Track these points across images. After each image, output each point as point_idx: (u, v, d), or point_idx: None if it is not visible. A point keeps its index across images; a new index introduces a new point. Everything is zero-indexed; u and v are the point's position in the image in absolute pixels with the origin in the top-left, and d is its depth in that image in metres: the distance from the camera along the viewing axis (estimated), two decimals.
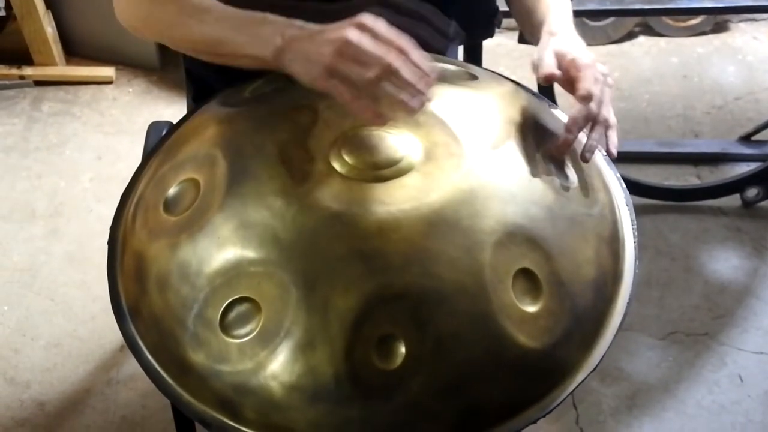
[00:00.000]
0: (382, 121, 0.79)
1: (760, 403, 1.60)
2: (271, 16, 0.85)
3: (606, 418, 1.57)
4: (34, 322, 1.74)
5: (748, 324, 1.75)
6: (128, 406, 1.58)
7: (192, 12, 0.89)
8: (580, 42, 0.93)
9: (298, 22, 0.83)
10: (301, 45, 0.81)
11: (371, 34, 0.77)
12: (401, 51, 0.77)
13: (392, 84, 0.77)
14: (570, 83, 0.89)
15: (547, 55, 0.90)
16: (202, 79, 1.18)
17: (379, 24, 0.78)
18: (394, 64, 0.76)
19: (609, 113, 0.89)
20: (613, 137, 0.90)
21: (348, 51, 0.76)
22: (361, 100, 0.78)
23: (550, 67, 0.89)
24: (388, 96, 0.77)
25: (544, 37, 0.95)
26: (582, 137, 0.89)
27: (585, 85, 0.86)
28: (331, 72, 0.78)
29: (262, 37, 0.83)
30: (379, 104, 0.78)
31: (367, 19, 0.78)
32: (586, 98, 0.85)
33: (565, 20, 0.98)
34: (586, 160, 0.89)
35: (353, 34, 0.76)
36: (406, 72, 0.76)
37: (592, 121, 0.88)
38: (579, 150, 0.89)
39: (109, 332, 1.69)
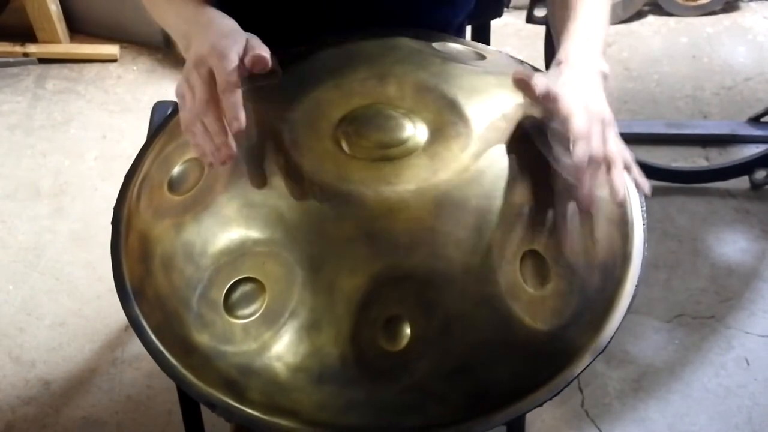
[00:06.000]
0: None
1: (766, 386, 1.60)
2: (202, 24, 0.84)
3: (611, 401, 1.57)
4: (39, 302, 1.74)
5: (756, 307, 1.74)
6: (133, 385, 1.59)
7: None
8: (589, 78, 0.82)
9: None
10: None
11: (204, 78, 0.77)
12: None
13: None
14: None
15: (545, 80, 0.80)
16: None
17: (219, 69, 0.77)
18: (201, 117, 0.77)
19: (617, 150, 0.78)
20: (637, 176, 0.79)
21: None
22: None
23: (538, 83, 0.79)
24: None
25: (553, 66, 0.85)
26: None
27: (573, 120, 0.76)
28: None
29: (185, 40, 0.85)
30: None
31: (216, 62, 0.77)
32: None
33: (586, 45, 0.86)
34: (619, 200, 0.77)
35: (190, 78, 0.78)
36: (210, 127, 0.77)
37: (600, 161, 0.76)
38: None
39: (115, 312, 1.69)
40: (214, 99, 0.77)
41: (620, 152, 0.78)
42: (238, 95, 0.76)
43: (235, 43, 0.79)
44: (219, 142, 0.76)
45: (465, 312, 0.74)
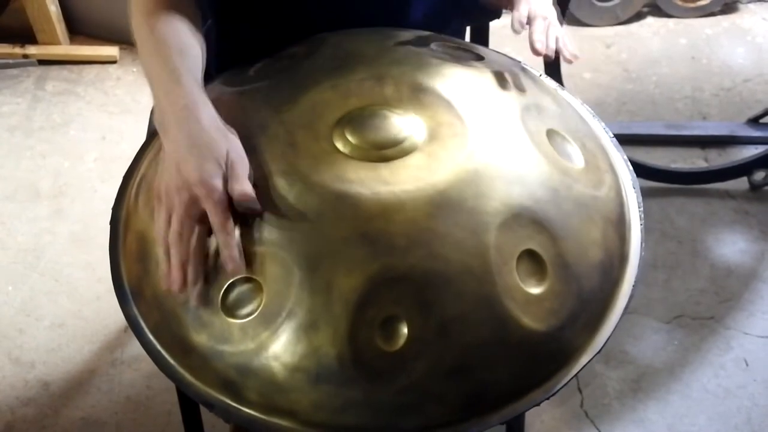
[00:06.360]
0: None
1: (766, 387, 1.60)
2: (178, 90, 0.81)
3: (611, 402, 1.57)
4: (39, 303, 1.74)
5: (755, 308, 1.74)
6: (133, 386, 1.59)
7: (156, 44, 0.87)
8: None
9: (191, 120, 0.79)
10: (170, 154, 0.78)
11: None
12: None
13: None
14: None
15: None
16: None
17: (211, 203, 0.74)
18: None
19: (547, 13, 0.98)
20: (565, 40, 0.97)
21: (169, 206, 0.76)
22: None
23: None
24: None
25: None
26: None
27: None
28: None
29: (157, 105, 0.83)
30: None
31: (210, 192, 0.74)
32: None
33: None
34: (537, 53, 0.95)
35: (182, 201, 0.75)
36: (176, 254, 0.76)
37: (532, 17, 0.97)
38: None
39: (114, 313, 1.69)
40: (187, 232, 0.75)
41: (553, 16, 0.98)
42: (235, 235, 0.75)
43: (219, 168, 0.75)
44: (177, 275, 0.76)
45: (462, 312, 0.74)
